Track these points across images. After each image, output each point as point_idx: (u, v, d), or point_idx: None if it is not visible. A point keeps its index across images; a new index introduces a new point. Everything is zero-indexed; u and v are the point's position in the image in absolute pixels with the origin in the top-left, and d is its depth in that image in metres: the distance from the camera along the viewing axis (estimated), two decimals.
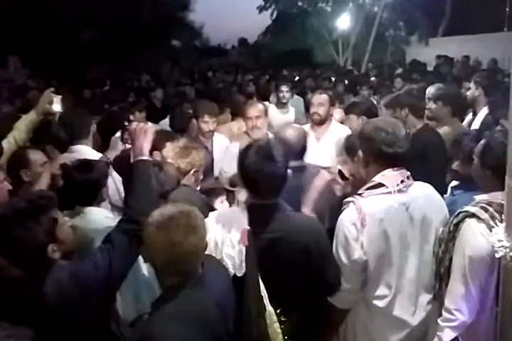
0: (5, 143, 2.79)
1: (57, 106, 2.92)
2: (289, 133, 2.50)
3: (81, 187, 2.16)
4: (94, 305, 1.59)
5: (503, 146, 1.72)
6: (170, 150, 2.80)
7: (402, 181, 1.87)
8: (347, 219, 1.85)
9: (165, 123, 4.22)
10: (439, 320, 1.81)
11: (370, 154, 1.91)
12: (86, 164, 2.25)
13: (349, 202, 1.89)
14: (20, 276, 1.58)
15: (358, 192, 1.91)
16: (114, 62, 13.36)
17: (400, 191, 1.85)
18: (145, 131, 1.85)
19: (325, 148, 3.53)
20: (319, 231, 1.87)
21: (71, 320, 1.54)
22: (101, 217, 2.20)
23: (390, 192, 1.85)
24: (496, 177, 1.78)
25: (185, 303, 1.44)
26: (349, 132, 3.33)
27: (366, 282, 1.90)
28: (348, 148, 2.24)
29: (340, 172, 2.34)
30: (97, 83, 9.24)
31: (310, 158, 3.52)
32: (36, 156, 2.56)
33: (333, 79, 8.47)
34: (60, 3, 12.35)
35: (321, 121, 3.67)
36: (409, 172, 1.93)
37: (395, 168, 1.88)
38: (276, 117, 5.02)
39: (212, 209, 2.35)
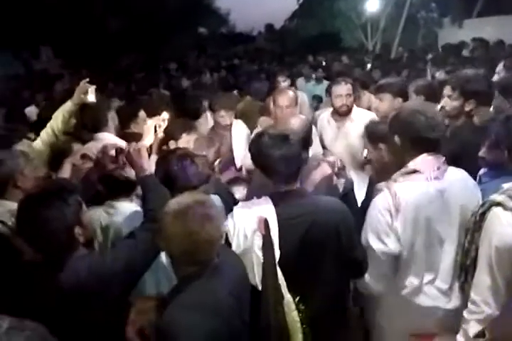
0: (44, 134, 2.88)
1: (91, 97, 2.96)
2: (292, 124, 2.46)
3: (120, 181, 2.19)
4: (111, 296, 1.62)
5: None
6: (192, 140, 2.81)
7: (438, 167, 1.83)
8: (381, 205, 1.82)
9: None
10: (464, 312, 1.77)
11: (408, 139, 1.86)
12: None
13: (382, 187, 1.86)
14: (39, 261, 1.63)
15: (393, 178, 1.88)
16: (142, 50, 13.48)
17: (435, 177, 1.82)
18: (139, 151, 1.91)
19: (346, 136, 3.45)
20: (345, 211, 1.88)
21: (87, 310, 1.56)
22: (130, 211, 2.23)
23: (425, 179, 1.81)
24: None
25: (200, 293, 1.45)
26: (372, 117, 3.23)
27: (397, 269, 1.88)
28: (370, 136, 2.19)
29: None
30: (126, 72, 9.37)
31: (331, 146, 3.50)
32: (78, 148, 2.69)
33: (369, 65, 8.28)
34: None
35: (348, 112, 3.53)
36: (444, 157, 1.88)
37: (430, 153, 1.85)
38: None
39: (236, 199, 2.35)
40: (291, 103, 3.34)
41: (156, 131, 2.38)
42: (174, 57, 12.21)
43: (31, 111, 5.56)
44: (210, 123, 3.80)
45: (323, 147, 3.53)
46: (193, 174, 2.01)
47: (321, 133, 3.63)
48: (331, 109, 3.64)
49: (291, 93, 3.44)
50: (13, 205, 2.08)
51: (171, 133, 2.88)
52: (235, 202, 2.22)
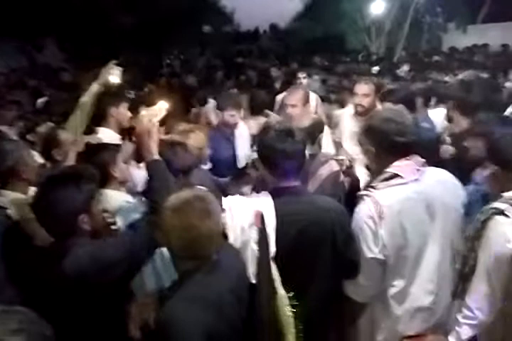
0: (72, 118, 2.92)
1: (115, 78, 2.96)
2: (303, 122, 2.50)
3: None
4: (111, 286, 1.62)
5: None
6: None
7: (417, 170, 1.85)
8: (364, 214, 1.81)
9: None
10: (458, 316, 1.78)
11: (382, 147, 1.88)
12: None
13: (363, 195, 1.86)
14: (47, 247, 1.66)
15: (372, 185, 1.88)
16: (147, 47, 13.47)
17: (415, 180, 1.83)
18: (149, 132, 1.87)
19: None
20: (342, 211, 1.89)
21: (87, 298, 1.57)
22: (119, 201, 2.25)
23: (405, 183, 1.82)
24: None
25: (200, 288, 1.46)
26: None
27: (384, 274, 1.88)
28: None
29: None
30: (129, 67, 9.37)
31: (346, 143, 3.49)
32: (66, 136, 2.71)
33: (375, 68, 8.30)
34: None
35: (366, 112, 3.45)
36: (423, 159, 1.90)
37: (408, 157, 1.86)
38: None
39: (225, 191, 2.37)
40: (298, 103, 3.33)
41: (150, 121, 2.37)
42: (178, 55, 12.22)
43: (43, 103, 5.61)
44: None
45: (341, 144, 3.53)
46: (183, 156, 2.08)
47: (341, 130, 3.62)
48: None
49: (299, 93, 3.42)
50: (16, 195, 2.12)
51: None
52: (224, 193, 2.23)
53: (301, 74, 5.19)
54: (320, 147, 2.62)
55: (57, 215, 1.62)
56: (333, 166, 2.33)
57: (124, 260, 1.64)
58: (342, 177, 2.33)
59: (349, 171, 2.32)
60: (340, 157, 2.39)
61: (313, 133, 2.48)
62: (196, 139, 2.41)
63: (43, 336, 0.97)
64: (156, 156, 1.84)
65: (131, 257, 1.66)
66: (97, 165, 2.23)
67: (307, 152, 2.37)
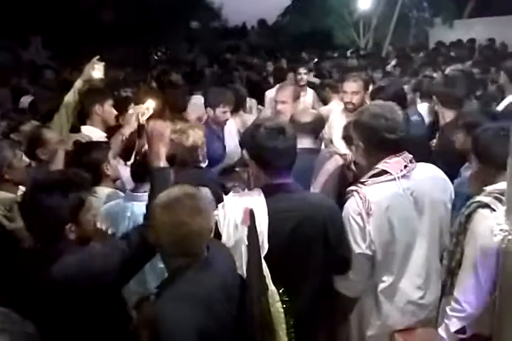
0: (57, 117, 2.91)
1: (97, 73, 2.95)
2: (305, 116, 2.54)
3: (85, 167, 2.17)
4: (101, 294, 1.59)
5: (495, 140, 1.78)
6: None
7: (405, 166, 1.85)
8: (352, 210, 1.83)
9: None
10: (447, 308, 1.80)
11: (371, 143, 1.88)
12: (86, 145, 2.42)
13: (352, 191, 1.87)
14: (35, 250, 1.64)
15: (361, 181, 1.89)
16: (133, 43, 13.34)
17: (403, 176, 1.84)
18: (162, 134, 1.78)
19: None
20: (335, 209, 1.90)
21: (75, 305, 1.54)
22: (113, 197, 2.24)
23: (394, 179, 1.83)
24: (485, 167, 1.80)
25: (191, 286, 1.46)
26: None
27: (373, 270, 1.90)
28: (346, 138, 2.23)
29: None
30: (117, 64, 9.27)
31: (337, 140, 3.51)
32: (51, 135, 2.68)
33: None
34: None
35: (356, 109, 3.52)
36: (411, 155, 1.90)
37: (397, 154, 1.86)
38: None
39: (226, 189, 2.38)
40: (287, 99, 3.33)
41: (138, 119, 2.37)
42: (165, 51, 12.13)
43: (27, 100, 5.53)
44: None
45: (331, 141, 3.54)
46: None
47: (331, 127, 3.62)
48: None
49: (288, 90, 3.42)
50: (6, 195, 2.12)
51: None
52: (226, 192, 2.24)
53: (303, 70, 5.18)
54: (321, 142, 2.67)
55: (43, 224, 1.58)
56: (339, 160, 2.40)
57: (115, 267, 1.59)
58: (345, 170, 2.42)
59: (350, 165, 2.38)
60: (343, 151, 2.42)
61: (316, 128, 2.53)
62: (195, 136, 2.42)
63: (25, 334, 0.97)
64: (163, 163, 1.76)
65: (123, 264, 1.61)
66: (89, 163, 2.24)
67: (311, 146, 2.45)
